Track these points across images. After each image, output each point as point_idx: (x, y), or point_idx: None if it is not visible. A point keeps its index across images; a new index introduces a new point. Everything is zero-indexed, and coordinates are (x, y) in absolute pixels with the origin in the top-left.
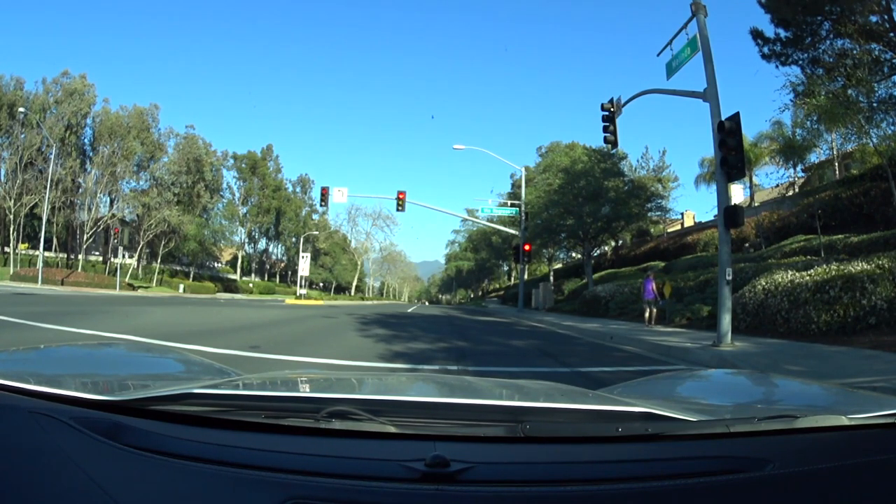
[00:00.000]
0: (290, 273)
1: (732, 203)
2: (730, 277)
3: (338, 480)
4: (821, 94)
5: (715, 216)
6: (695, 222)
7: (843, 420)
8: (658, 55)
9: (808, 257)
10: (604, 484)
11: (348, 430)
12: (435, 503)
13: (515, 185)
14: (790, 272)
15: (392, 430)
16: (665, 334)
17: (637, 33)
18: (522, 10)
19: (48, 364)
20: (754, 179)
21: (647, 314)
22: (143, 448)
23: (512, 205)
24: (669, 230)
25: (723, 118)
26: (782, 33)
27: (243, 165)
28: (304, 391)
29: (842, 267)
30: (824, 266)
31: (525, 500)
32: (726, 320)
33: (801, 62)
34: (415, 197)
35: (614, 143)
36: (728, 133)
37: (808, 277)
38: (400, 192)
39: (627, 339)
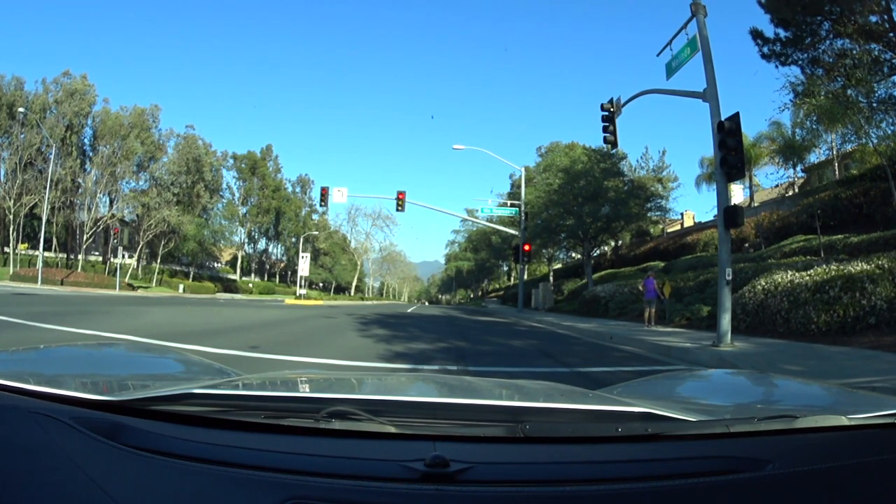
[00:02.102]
0: (289, 273)
1: (732, 203)
2: (729, 278)
3: (337, 480)
4: (820, 95)
5: (715, 216)
6: (694, 222)
7: (843, 420)
8: (658, 55)
9: (808, 257)
10: (603, 484)
11: (348, 431)
12: (435, 503)
13: (515, 186)
14: (790, 272)
15: (392, 430)
16: (665, 334)
17: (637, 33)
18: (522, 10)
19: (48, 364)
20: (754, 179)
21: (646, 314)
22: (142, 448)
23: (512, 205)
24: (669, 230)
25: (722, 118)
26: (782, 33)
27: (243, 165)
28: (304, 391)
29: (841, 267)
30: (824, 266)
31: (525, 500)
32: (726, 320)
33: (800, 62)
34: (414, 197)
35: (614, 144)
36: (728, 133)
37: (807, 278)
38: (400, 193)
39: (627, 340)
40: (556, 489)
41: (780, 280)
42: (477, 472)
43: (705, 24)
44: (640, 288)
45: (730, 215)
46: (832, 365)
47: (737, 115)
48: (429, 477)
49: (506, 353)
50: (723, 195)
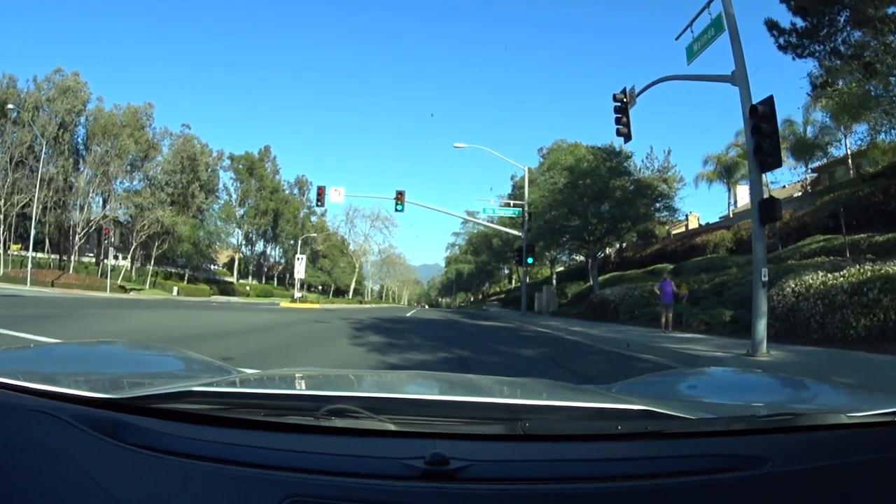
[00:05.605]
0: (288, 276)
1: (768, 196)
2: (765, 279)
3: (337, 478)
4: (851, 83)
5: (721, 217)
6: (699, 224)
7: (843, 418)
8: (677, 39)
9: (832, 258)
10: (603, 482)
11: (348, 428)
12: (435, 501)
13: (516, 187)
14: (820, 273)
15: (392, 427)
16: (686, 341)
17: (637, 34)
18: (521, 9)
19: (48, 362)
20: (765, 178)
21: (663, 319)
22: (143, 446)
23: (514, 205)
24: (674, 232)
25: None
26: (799, 23)
27: (240, 166)
28: (304, 389)
29: (877, 267)
30: (858, 267)
31: (525, 498)
32: (761, 326)
33: (817, 54)
34: (414, 198)
35: (627, 136)
36: (761, 118)
37: (841, 279)
38: (399, 192)
39: (646, 347)
40: (556, 487)
41: (811, 281)
42: (477, 470)
43: (731, 1)
44: (657, 291)
45: (765, 209)
46: (884, 376)
47: (771, 98)
48: (429, 475)
49: (514, 363)
50: (756, 186)
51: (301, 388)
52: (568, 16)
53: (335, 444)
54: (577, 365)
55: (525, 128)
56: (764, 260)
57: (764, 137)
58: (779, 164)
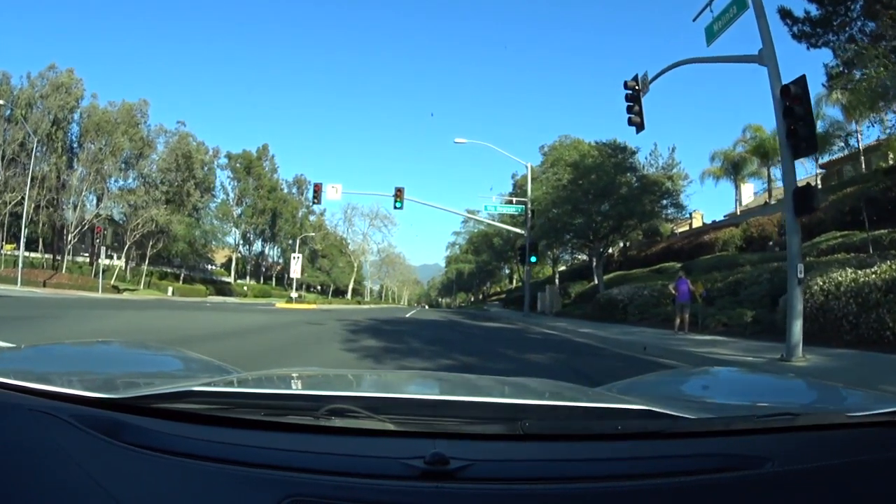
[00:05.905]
0: (286, 276)
1: (804, 183)
2: (801, 275)
3: (337, 478)
4: (879, 68)
5: (727, 215)
6: (703, 223)
7: (843, 418)
8: (694, 19)
9: (853, 254)
10: (603, 482)
11: (348, 428)
12: (434, 501)
13: (517, 186)
14: (850, 270)
15: (392, 427)
16: (707, 343)
17: (637, 33)
18: (521, 9)
19: (47, 362)
20: (772, 175)
21: (678, 320)
22: (143, 446)
23: (516, 203)
24: (678, 230)
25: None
26: (813, 11)
27: (238, 165)
28: (304, 388)
29: None
30: (889, 263)
31: (525, 498)
32: (797, 328)
33: (831, 44)
34: (414, 198)
35: (640, 126)
36: (794, 99)
37: (874, 276)
38: (398, 188)
39: (665, 351)
40: (556, 486)
41: (840, 279)
42: (477, 470)
43: None
44: (672, 290)
45: (801, 198)
46: None
47: (803, 77)
48: (428, 474)
49: (526, 372)
50: (790, 175)
51: (301, 388)
52: (568, 16)
53: (335, 444)
54: (595, 371)
55: (525, 128)
56: (800, 255)
57: (797, 120)
58: (814, 148)
